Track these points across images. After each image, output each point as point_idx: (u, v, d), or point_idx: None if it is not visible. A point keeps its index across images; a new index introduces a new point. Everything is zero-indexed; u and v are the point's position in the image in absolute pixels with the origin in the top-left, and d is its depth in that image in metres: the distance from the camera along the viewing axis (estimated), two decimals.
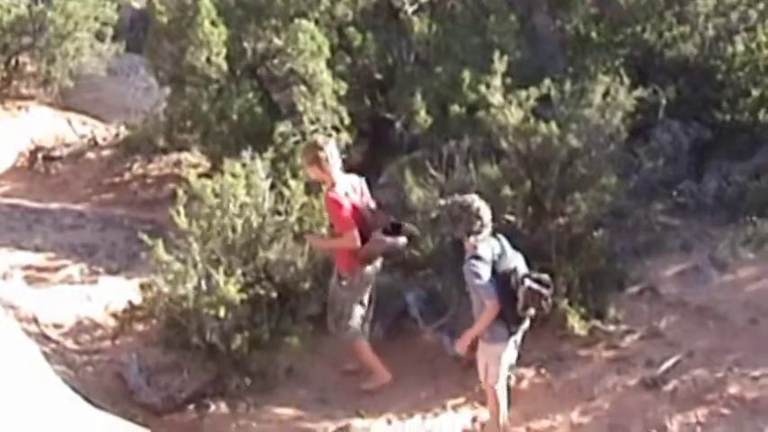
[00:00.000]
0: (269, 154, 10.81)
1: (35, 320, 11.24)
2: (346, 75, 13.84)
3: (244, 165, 10.56)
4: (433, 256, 11.27)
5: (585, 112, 11.35)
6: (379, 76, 14.27)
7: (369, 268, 10.44)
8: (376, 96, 14.23)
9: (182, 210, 10.28)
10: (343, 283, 10.43)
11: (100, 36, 19.85)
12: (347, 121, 13.42)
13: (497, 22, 14.04)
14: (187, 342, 9.96)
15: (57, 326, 11.45)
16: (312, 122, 13.23)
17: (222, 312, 9.76)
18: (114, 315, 11.47)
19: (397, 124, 13.80)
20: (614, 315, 11.03)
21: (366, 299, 10.56)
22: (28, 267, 12.96)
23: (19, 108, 19.01)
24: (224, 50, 13.73)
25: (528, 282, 9.30)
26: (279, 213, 10.53)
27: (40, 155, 17.20)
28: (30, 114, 18.80)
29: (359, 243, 10.19)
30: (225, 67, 13.80)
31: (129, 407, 10.12)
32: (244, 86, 13.91)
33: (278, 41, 13.74)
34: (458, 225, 9.54)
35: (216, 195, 10.39)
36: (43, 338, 10.89)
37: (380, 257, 10.53)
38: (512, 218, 11.03)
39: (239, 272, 10.03)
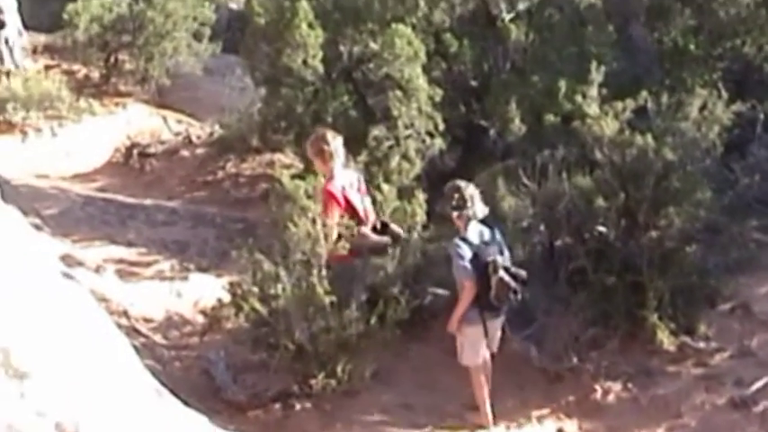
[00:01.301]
0: (362, 157, 10.87)
1: (126, 314, 11.36)
2: (441, 81, 13.85)
3: None
4: (523, 264, 11.17)
5: (682, 125, 11.25)
6: (474, 83, 14.24)
7: (356, 261, 10.46)
8: (471, 103, 14.20)
9: (275, 209, 10.40)
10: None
11: (197, 36, 20.20)
12: (441, 127, 13.44)
13: (595, 31, 13.96)
14: (275, 342, 10.02)
15: (147, 320, 11.57)
16: (406, 127, 13.25)
17: (311, 313, 9.81)
18: (203, 312, 11.57)
19: (491, 132, 13.75)
20: (705, 332, 10.89)
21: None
22: (120, 261, 13.15)
23: (116, 105, 19.35)
24: (320, 53, 13.80)
25: (501, 272, 9.62)
26: None
27: (135, 151, 17.47)
28: (127, 111, 19.12)
29: (334, 236, 10.16)
30: (321, 69, 13.86)
31: (214, 403, 10.18)
32: (339, 89, 13.94)
33: (374, 46, 13.78)
34: (446, 204, 9.87)
35: (308, 197, 10.45)
36: (133, 332, 10.99)
37: (367, 252, 10.54)
38: (604, 229, 10.95)
39: (329, 274, 10.05)
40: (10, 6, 19.78)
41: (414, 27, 13.80)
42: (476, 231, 9.81)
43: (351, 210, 10.32)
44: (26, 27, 21.00)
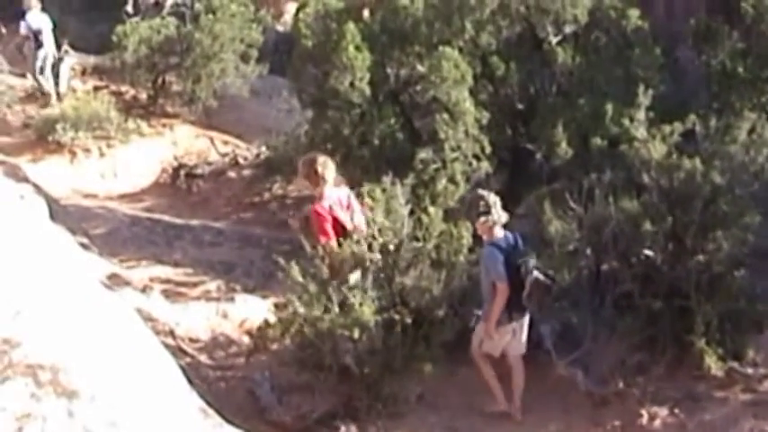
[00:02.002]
0: (409, 180, 10.87)
1: (172, 334, 11.39)
2: (488, 104, 13.83)
3: (384, 189, 10.62)
4: (570, 288, 11.17)
5: (730, 148, 11.19)
6: (520, 106, 14.22)
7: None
8: (517, 126, 14.18)
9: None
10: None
11: (245, 57, 20.30)
12: (488, 150, 13.43)
13: (642, 55, 13.91)
14: (320, 363, 10.02)
15: (192, 340, 11.59)
16: (453, 150, 13.25)
17: (357, 335, 9.81)
18: (249, 333, 11.58)
19: (538, 155, 13.71)
20: (753, 357, 10.80)
21: None
22: (167, 281, 13.21)
23: (164, 126, 19.49)
24: (367, 76, 13.83)
25: (536, 273, 10.13)
26: (417, 239, 10.56)
27: (182, 172, 17.58)
28: (174, 132, 19.25)
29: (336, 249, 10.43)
30: (368, 92, 13.89)
31: (259, 424, 10.18)
32: (386, 112, 13.98)
33: (421, 68, 13.81)
34: (470, 212, 10.39)
35: None
36: (179, 352, 11.03)
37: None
38: (651, 253, 10.90)
39: (375, 295, 10.05)
40: (47, 27, 20.09)
41: (460, 50, 13.80)
42: (502, 236, 10.24)
43: (338, 227, 10.54)
44: (75, 48, 21.25)
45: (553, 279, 10.23)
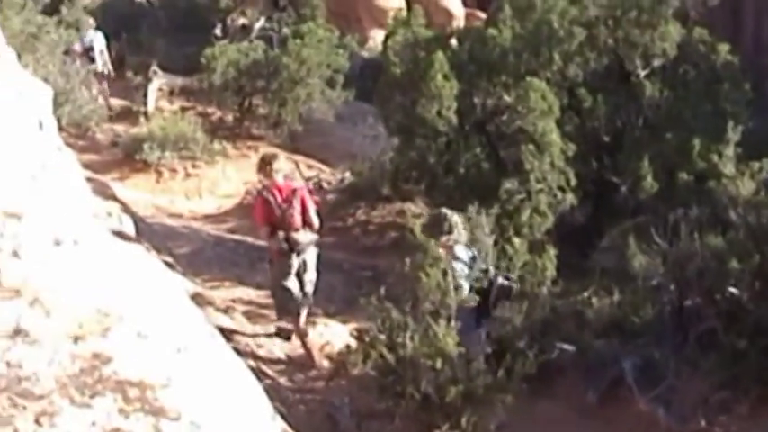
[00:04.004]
0: (494, 210, 10.88)
1: (253, 355, 11.46)
2: (574, 135, 13.81)
3: (469, 219, 10.63)
4: (652, 323, 11.10)
5: None
6: (606, 139, 14.19)
7: (283, 259, 11.52)
8: (603, 159, 14.15)
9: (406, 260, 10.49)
10: (267, 266, 12.15)
11: (330, 83, 20.41)
12: (573, 182, 13.40)
13: (731, 89, 13.82)
14: (402, 390, 10.01)
15: (273, 362, 11.66)
16: (538, 181, 13.24)
17: (438, 364, 9.80)
18: (329, 357, 11.62)
19: (623, 188, 13.67)
20: None
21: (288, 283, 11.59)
22: (249, 303, 13.29)
23: (249, 148, 19.65)
24: (454, 105, 13.88)
25: (500, 279, 10.51)
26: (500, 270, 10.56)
27: None
28: (259, 155, 19.34)
29: (263, 235, 11.66)
30: (454, 121, 13.95)
31: None
32: (472, 141, 14.03)
33: (508, 99, 13.83)
34: (434, 231, 10.43)
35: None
36: (260, 374, 11.10)
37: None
38: (736, 291, 10.78)
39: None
40: (98, 45, 21.09)
41: (548, 81, 13.82)
42: (464, 252, 10.46)
43: (270, 212, 11.32)
44: (163, 69, 21.61)
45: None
